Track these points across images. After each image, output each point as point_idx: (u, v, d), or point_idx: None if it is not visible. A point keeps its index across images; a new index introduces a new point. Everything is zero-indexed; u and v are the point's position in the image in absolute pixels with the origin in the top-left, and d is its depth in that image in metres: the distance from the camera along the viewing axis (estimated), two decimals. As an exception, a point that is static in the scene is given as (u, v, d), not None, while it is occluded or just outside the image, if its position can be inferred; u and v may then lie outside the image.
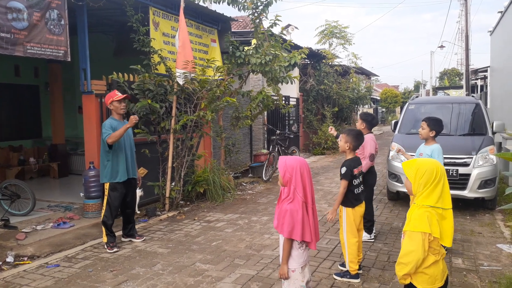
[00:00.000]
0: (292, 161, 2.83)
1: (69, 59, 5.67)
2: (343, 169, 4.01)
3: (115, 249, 5.00)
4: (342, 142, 4.09)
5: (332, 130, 5.27)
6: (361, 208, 4.11)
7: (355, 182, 4.06)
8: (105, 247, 5.06)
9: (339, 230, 4.20)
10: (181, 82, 6.79)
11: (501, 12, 13.35)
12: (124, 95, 5.17)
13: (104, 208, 5.11)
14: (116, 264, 4.60)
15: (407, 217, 2.64)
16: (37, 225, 5.84)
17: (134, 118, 4.92)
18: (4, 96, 9.52)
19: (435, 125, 4.71)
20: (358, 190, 4.10)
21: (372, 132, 5.29)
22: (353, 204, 4.06)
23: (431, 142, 4.73)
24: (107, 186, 5.09)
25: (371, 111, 32.54)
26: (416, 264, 2.49)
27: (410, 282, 2.54)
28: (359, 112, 24.60)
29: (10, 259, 4.66)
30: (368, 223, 5.22)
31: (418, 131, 4.89)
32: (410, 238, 2.52)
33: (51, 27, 5.36)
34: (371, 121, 5.25)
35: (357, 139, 4.08)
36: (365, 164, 5.04)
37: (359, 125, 5.21)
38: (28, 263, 4.64)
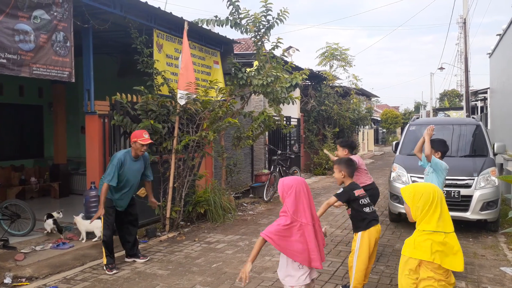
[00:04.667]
0: (288, 181, 2.92)
1: (73, 80, 5.74)
2: (340, 190, 4.06)
3: (115, 271, 4.96)
4: (337, 172, 4.09)
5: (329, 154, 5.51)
6: (376, 233, 3.99)
7: (362, 202, 3.99)
8: (104, 268, 5.01)
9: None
10: (181, 103, 6.85)
11: (499, 35, 13.54)
12: (150, 141, 5.22)
13: (102, 226, 5.12)
14: (115, 286, 4.55)
15: (407, 243, 2.66)
16: (36, 246, 5.80)
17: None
18: (8, 115, 9.60)
19: (439, 146, 4.73)
20: (368, 210, 4.00)
21: (354, 153, 5.41)
22: (368, 225, 3.96)
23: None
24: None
25: (371, 132, 32.61)
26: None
27: None
28: (360, 133, 24.79)
29: (8, 280, 4.60)
30: None
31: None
32: (407, 263, 2.60)
33: (57, 48, 5.46)
34: (350, 144, 5.43)
35: (349, 164, 4.11)
36: None
37: (341, 152, 5.30)
38: (26, 284, 4.59)
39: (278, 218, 2.88)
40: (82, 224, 6.10)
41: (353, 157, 5.17)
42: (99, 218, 6.11)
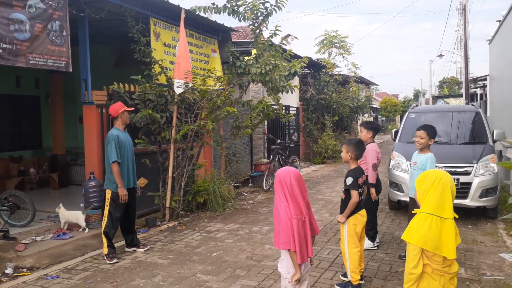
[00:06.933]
0: (279, 172, 2.94)
1: (70, 70, 5.69)
2: (349, 179, 3.99)
3: (115, 260, 4.97)
4: (344, 152, 4.10)
5: None
6: (362, 218, 4.07)
7: (358, 192, 4.04)
8: (105, 258, 5.02)
9: (340, 240, 4.17)
10: (177, 92, 6.80)
11: (499, 21, 13.43)
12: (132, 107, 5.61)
13: (106, 218, 5.09)
14: (116, 275, 4.57)
15: (408, 226, 2.67)
16: (37, 236, 5.82)
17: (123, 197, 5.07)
18: (5, 107, 9.54)
19: (433, 132, 4.68)
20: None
21: (374, 142, 5.33)
22: (354, 212, 4.02)
23: (426, 150, 4.67)
24: (109, 196, 5.09)
25: (371, 120, 32.61)
26: (416, 278, 2.52)
27: None
28: (359, 121, 24.79)
29: (9, 270, 4.62)
30: (371, 231, 5.23)
31: (415, 140, 4.74)
32: (408, 249, 2.59)
33: (53, 38, 5.39)
34: (376, 128, 5.37)
35: (358, 147, 4.10)
36: (370, 175, 5.04)
37: (365, 134, 5.24)
38: (28, 274, 4.61)
39: (279, 213, 2.87)
40: (63, 214, 6.12)
41: (371, 145, 5.15)
42: (94, 209, 6.13)
